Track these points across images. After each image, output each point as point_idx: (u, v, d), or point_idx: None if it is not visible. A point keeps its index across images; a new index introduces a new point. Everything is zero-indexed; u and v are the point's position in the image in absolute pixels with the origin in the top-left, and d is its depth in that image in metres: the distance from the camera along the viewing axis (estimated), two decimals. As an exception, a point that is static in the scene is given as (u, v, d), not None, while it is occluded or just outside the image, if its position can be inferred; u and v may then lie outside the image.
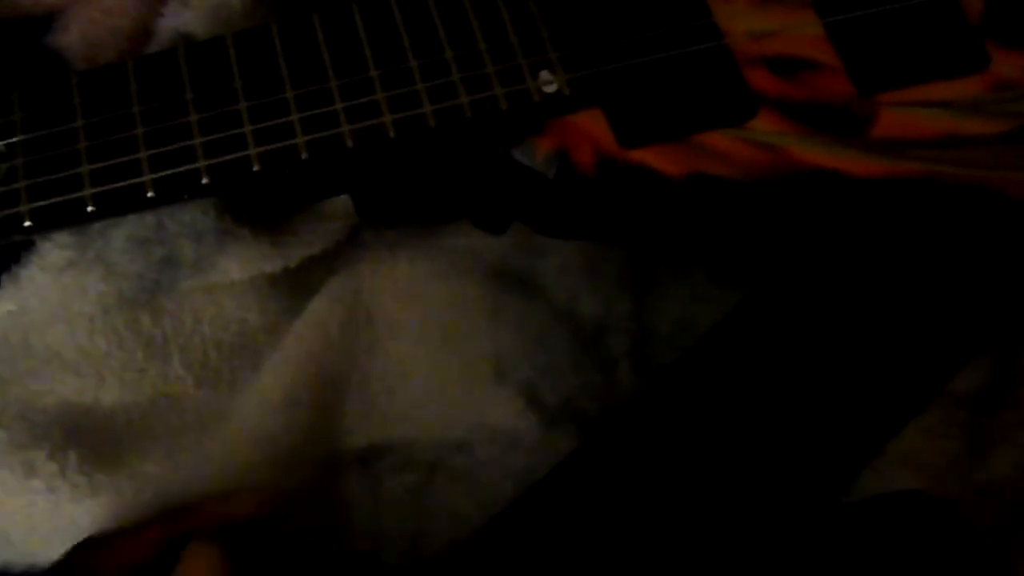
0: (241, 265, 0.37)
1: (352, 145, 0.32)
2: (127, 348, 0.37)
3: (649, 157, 0.33)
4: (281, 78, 0.33)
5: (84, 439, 0.36)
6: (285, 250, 0.38)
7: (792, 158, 0.34)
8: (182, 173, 0.32)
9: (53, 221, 0.32)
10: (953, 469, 0.38)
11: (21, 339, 0.37)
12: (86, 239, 0.36)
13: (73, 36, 0.39)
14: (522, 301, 0.39)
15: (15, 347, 0.37)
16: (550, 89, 0.33)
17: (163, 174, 0.32)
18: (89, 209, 0.31)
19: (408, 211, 0.38)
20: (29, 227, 0.31)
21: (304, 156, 0.32)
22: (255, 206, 0.38)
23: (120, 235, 0.36)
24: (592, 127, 0.34)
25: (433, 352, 0.38)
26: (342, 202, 0.38)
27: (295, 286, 0.39)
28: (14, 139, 0.32)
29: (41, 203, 0.31)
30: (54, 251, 0.36)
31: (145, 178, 0.32)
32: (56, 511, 0.35)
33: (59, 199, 0.31)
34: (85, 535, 0.35)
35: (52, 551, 0.36)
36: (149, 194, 0.32)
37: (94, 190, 0.31)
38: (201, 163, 0.32)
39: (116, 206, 0.32)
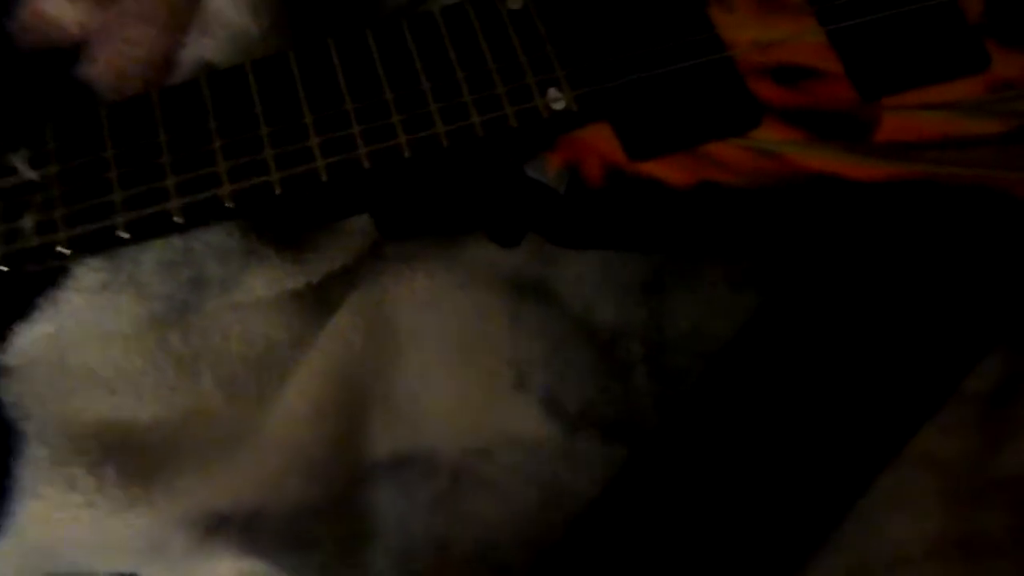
0: (266, 283, 0.38)
1: (369, 166, 0.33)
2: (159, 366, 0.38)
3: (656, 169, 0.34)
4: (299, 103, 0.34)
5: (121, 454, 0.37)
6: (308, 267, 0.39)
7: (796, 165, 0.34)
8: (207, 199, 0.33)
9: (88, 247, 0.33)
10: (968, 466, 0.38)
11: (59, 359, 0.38)
12: (118, 262, 0.37)
13: (100, 67, 0.41)
14: (539, 310, 0.39)
15: (54, 367, 0.38)
16: (558, 106, 0.34)
17: (189, 200, 0.33)
18: (121, 235, 0.33)
19: (426, 226, 0.39)
20: (65, 254, 0.33)
21: (324, 178, 0.33)
22: (279, 225, 0.39)
23: (150, 258, 0.37)
24: (600, 141, 0.34)
25: (454, 361, 0.39)
26: (362, 219, 0.39)
27: (319, 301, 0.40)
28: (49, 169, 0.34)
29: (76, 230, 0.33)
30: (88, 274, 0.37)
31: (172, 204, 0.33)
32: (96, 524, 0.36)
33: (93, 226, 0.33)
34: (123, 547, 0.36)
35: (93, 563, 0.38)
36: (176, 219, 0.33)
37: (125, 217, 0.33)
38: (225, 188, 0.33)
39: (146, 231, 0.33)
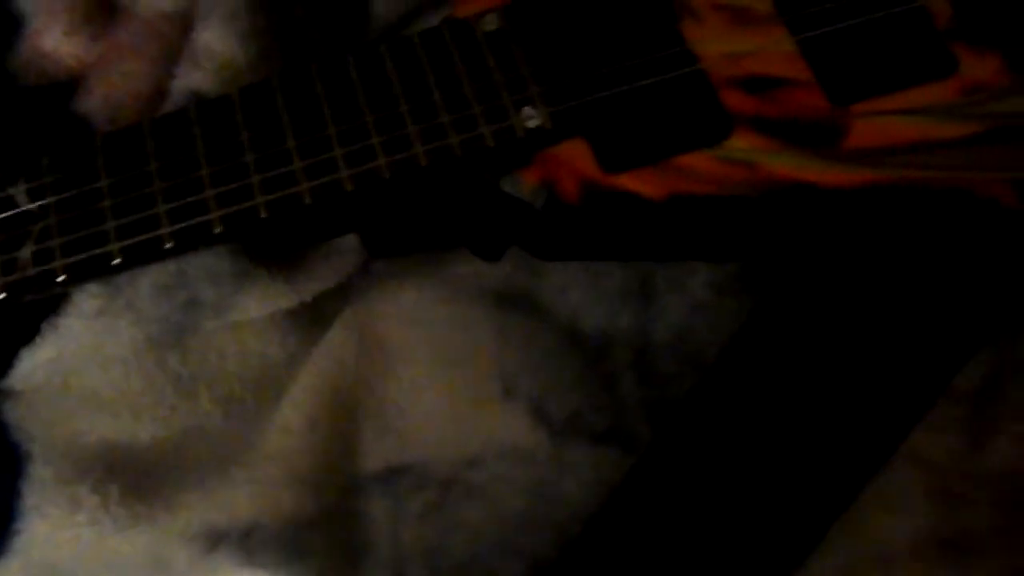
0: (259, 303, 0.39)
1: (351, 188, 0.34)
2: (158, 387, 0.39)
3: (630, 182, 0.35)
4: (283, 129, 0.35)
5: (123, 473, 0.38)
6: (300, 286, 0.40)
7: (768, 173, 0.35)
8: (197, 225, 0.34)
9: (85, 274, 0.34)
10: (954, 463, 0.38)
11: (62, 383, 0.39)
12: (115, 288, 0.38)
13: (96, 99, 0.42)
14: (526, 320, 0.40)
15: (57, 390, 0.39)
16: (533, 124, 0.35)
17: (180, 226, 0.34)
18: (115, 262, 0.34)
19: (412, 243, 0.40)
20: (63, 281, 0.34)
21: (308, 201, 0.34)
22: (270, 247, 0.40)
23: (146, 282, 0.39)
24: (576, 158, 0.35)
25: (443, 373, 0.39)
26: (351, 238, 0.40)
27: (312, 318, 0.41)
28: (46, 200, 0.35)
29: (73, 259, 0.34)
30: (87, 300, 0.39)
31: (164, 231, 0.34)
32: (100, 542, 0.37)
33: (89, 254, 0.34)
34: (127, 564, 0.37)
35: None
36: (168, 245, 0.34)
37: (119, 244, 0.34)
38: (214, 214, 0.34)
39: (140, 257, 0.34)
